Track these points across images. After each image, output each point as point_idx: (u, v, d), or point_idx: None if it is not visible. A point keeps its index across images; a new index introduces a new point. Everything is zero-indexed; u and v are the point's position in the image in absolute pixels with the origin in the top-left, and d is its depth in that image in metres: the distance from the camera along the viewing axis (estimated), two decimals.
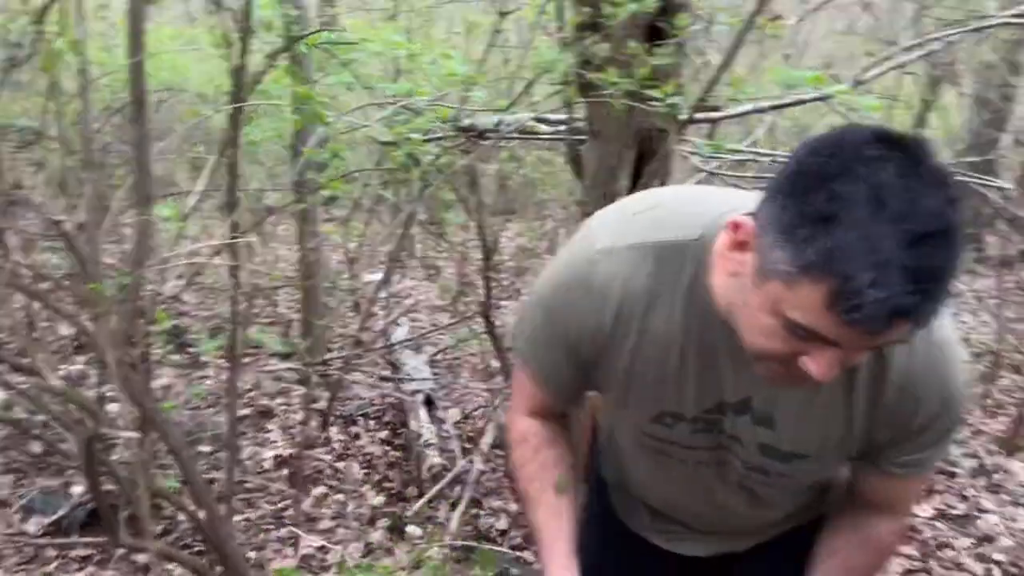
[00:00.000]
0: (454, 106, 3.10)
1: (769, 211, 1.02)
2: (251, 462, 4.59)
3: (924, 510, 4.13)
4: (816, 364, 1.06)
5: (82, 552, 3.55)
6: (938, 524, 4.03)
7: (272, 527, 3.94)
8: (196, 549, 3.54)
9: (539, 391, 1.61)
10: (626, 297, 1.27)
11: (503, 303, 5.83)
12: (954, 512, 4.15)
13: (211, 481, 3.88)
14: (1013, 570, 3.67)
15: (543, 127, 3.71)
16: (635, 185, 2.86)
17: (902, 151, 0.96)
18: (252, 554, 3.69)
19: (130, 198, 2.66)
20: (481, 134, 3.46)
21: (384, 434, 5.00)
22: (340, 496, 4.28)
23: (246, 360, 5.70)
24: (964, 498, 4.27)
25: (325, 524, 4.05)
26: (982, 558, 3.77)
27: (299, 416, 4.75)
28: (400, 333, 6.01)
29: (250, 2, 2.45)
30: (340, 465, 4.61)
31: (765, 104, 3.35)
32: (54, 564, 3.51)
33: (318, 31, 3.36)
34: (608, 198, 2.98)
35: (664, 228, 1.25)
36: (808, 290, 0.96)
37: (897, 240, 0.91)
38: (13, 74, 4.12)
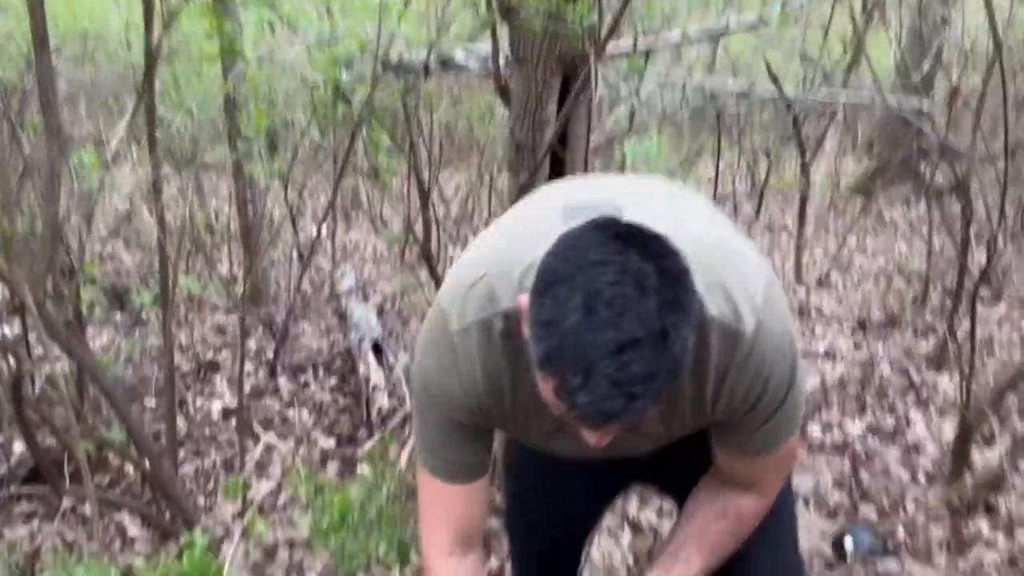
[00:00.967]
0: (374, 38, 3.07)
1: (527, 302, 1.08)
2: (199, 414, 4.58)
3: (855, 427, 4.31)
4: (587, 435, 1.15)
5: (26, 508, 3.53)
6: (869, 439, 4.21)
7: (223, 475, 3.96)
8: (145, 500, 3.55)
9: (455, 496, 1.54)
10: (489, 375, 1.33)
11: (449, 248, 5.84)
12: (884, 427, 4.34)
13: (156, 435, 3.88)
14: (935, 472, 3.86)
15: (472, 63, 3.69)
16: (561, 108, 2.88)
17: (639, 249, 1.01)
18: (202, 500, 3.71)
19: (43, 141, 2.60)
20: (409, 70, 3.43)
21: (333, 382, 5.02)
22: (290, 443, 4.30)
23: (189, 315, 5.66)
24: (893, 412, 4.45)
25: (276, 470, 4.08)
26: (909, 464, 3.95)
27: (246, 368, 4.73)
28: (347, 283, 6.00)
29: None
30: (290, 413, 4.62)
31: (691, 32, 3.38)
32: None
33: None
34: (537, 127, 3.01)
35: (496, 299, 1.27)
36: (544, 381, 1.05)
37: (603, 348, 0.96)
38: None
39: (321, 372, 5.13)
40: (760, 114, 8.79)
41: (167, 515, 3.17)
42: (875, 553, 3.26)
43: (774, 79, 5.92)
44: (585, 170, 3.10)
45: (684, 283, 1.03)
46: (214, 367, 5.10)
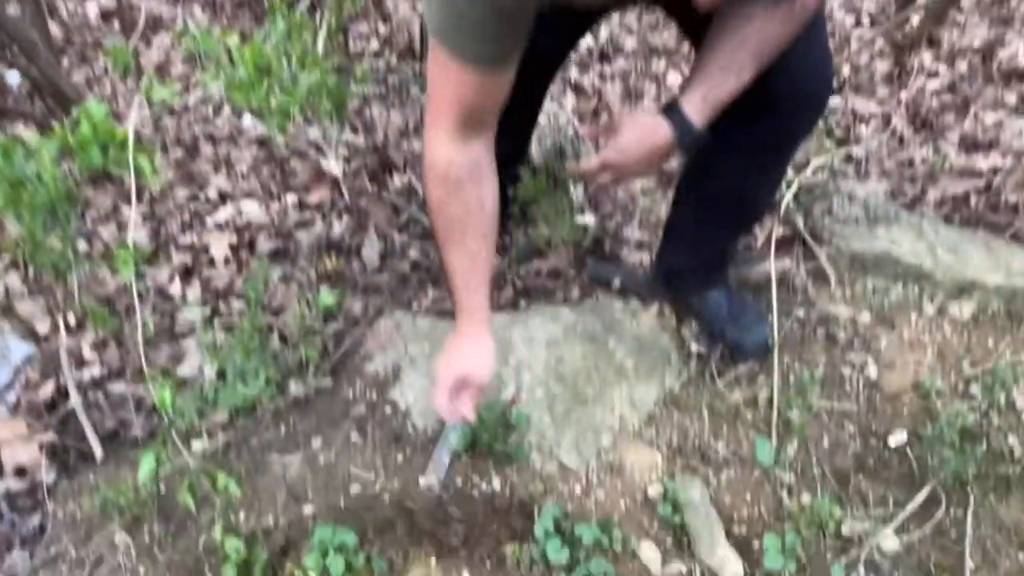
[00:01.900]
0: None
1: None
2: (75, 19, 3.99)
3: None
4: None
5: None
6: None
7: (119, 80, 3.55)
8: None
9: (470, 83, 1.40)
10: None
11: None
12: None
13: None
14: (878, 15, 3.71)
15: None
16: None
17: None
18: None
19: None
20: None
21: None
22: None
23: None
24: None
25: (178, 69, 3.67)
26: (852, 8, 3.78)
27: None
28: None
29: None
30: (179, 10, 4.07)
31: None
32: None
33: None
34: None
35: None
36: None
37: None
38: None
39: None
40: None
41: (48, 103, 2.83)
42: None
43: None
44: None
45: None
46: None
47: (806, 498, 1.89)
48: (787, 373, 2.15)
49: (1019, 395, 2.07)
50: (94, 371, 2.17)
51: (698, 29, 1.65)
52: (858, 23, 3.76)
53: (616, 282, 2.41)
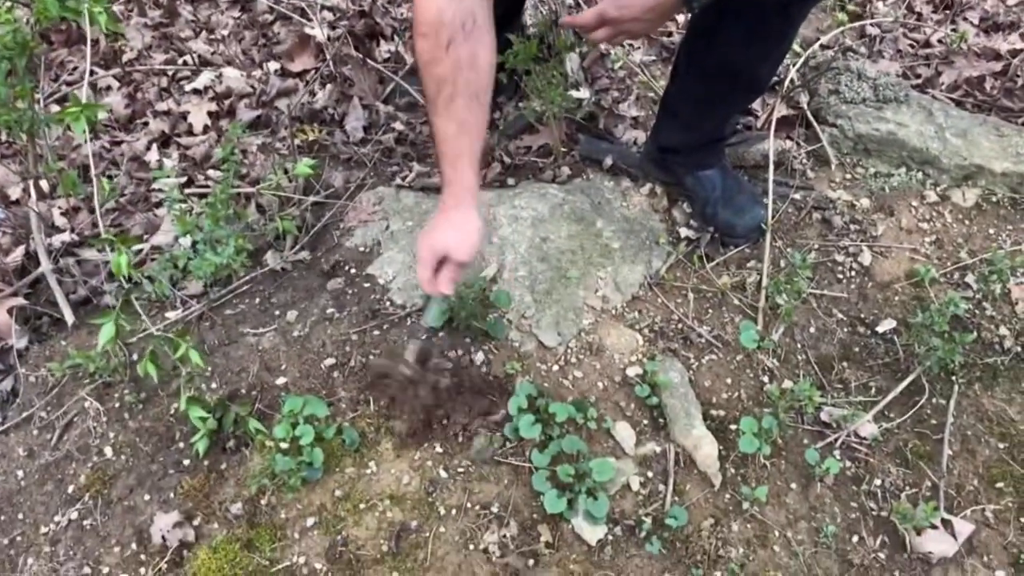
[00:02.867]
0: None
1: None
2: None
3: None
4: None
5: None
6: None
7: None
8: None
9: None
10: None
11: None
12: None
13: None
14: None
15: None
16: None
17: None
18: None
19: None
20: None
21: None
22: None
23: None
24: None
25: None
26: None
27: None
28: None
29: None
30: None
31: None
32: None
33: None
34: None
35: None
36: None
37: None
38: None
39: None
40: None
41: None
42: None
43: None
44: None
45: None
46: None
47: (787, 383, 1.86)
48: (778, 257, 2.09)
49: (1015, 285, 2.01)
50: (64, 237, 2.11)
51: None
52: None
53: (608, 160, 2.31)
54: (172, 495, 1.63)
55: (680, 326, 1.96)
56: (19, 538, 1.61)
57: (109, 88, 2.68)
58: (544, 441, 1.70)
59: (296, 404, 1.68)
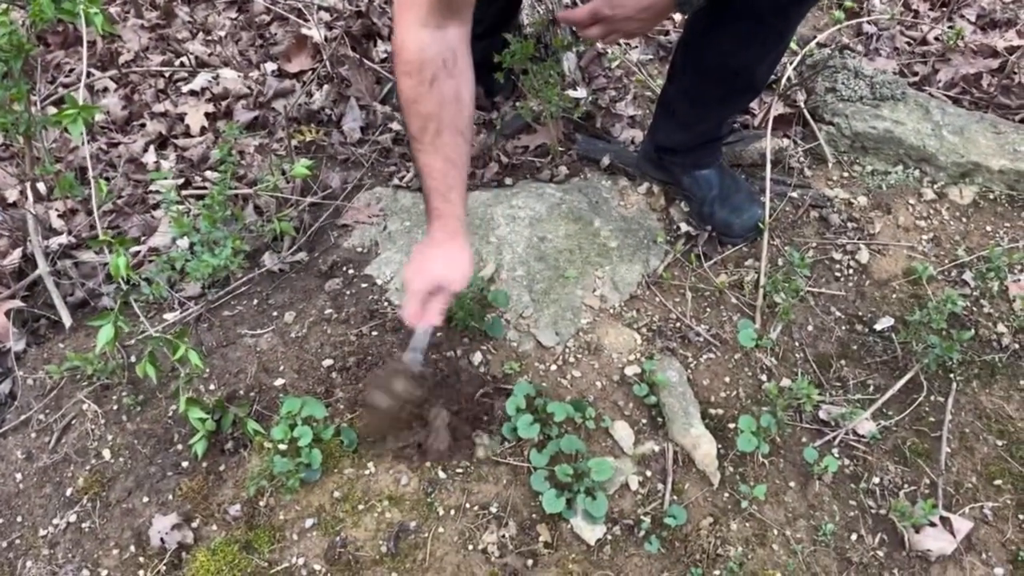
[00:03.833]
0: None
1: None
2: None
3: None
4: None
5: None
6: None
7: None
8: None
9: None
10: None
11: None
12: None
13: None
14: None
15: None
16: None
17: None
18: None
19: None
20: None
21: None
22: None
23: None
24: None
25: None
26: None
27: None
28: None
29: None
30: None
31: None
32: None
33: None
34: None
35: None
36: None
37: None
38: None
39: None
40: None
41: None
42: None
43: None
44: None
45: None
46: None
47: (785, 382, 1.86)
48: (776, 256, 2.09)
49: (1012, 282, 2.01)
50: (62, 239, 2.11)
51: None
52: None
53: (605, 160, 2.31)
54: (171, 497, 1.63)
55: (678, 325, 1.96)
56: (18, 541, 1.61)
57: (106, 90, 2.68)
58: (542, 441, 1.70)
59: (294, 405, 1.68)
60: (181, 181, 2.33)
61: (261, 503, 1.62)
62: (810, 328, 1.97)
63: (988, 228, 2.15)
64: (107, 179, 2.32)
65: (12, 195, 2.28)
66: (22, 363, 1.88)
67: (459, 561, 1.55)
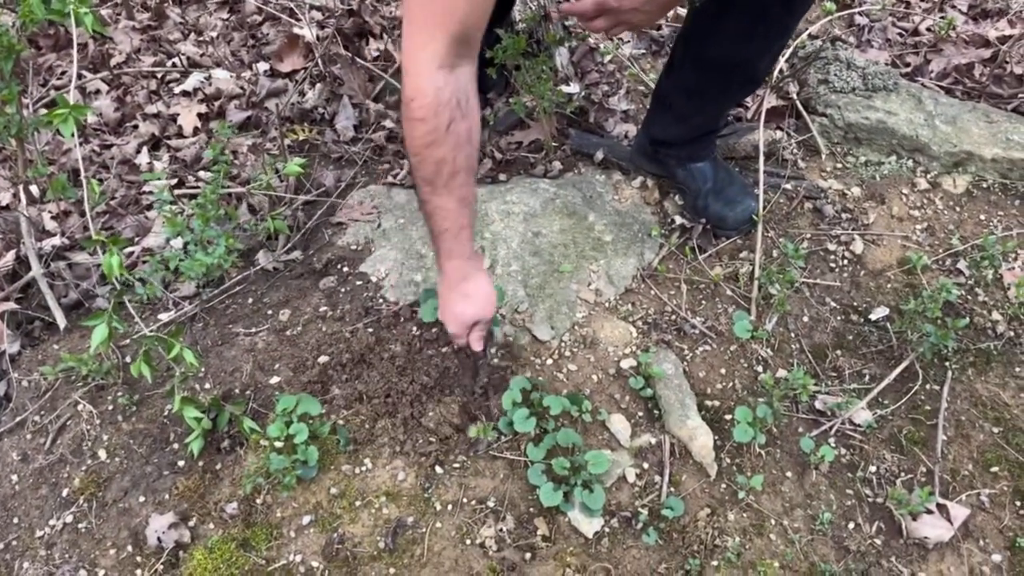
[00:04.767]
0: None
1: None
2: None
3: None
4: None
5: None
6: None
7: None
8: None
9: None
10: None
11: None
12: None
13: None
14: None
15: None
16: None
17: None
18: None
19: None
20: None
21: None
22: None
23: None
24: None
25: None
26: None
27: None
28: None
29: None
30: None
31: None
32: None
33: None
34: None
35: None
36: None
37: None
38: None
39: None
40: None
41: None
42: None
43: None
44: None
45: None
46: None
47: (781, 372, 1.86)
48: (771, 248, 2.09)
49: (1007, 270, 2.01)
50: (55, 241, 2.11)
51: None
52: None
53: (599, 154, 2.31)
54: (167, 496, 1.63)
55: (673, 317, 1.96)
56: (14, 542, 1.61)
57: (98, 91, 2.68)
58: (539, 435, 1.70)
59: (290, 403, 1.67)
60: (174, 181, 2.33)
61: (258, 501, 1.62)
62: (805, 319, 1.97)
63: (982, 217, 2.15)
64: (100, 180, 2.32)
65: (5, 198, 2.28)
66: (17, 365, 1.88)
67: (457, 556, 1.55)
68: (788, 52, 2.43)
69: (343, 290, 1.97)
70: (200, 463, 1.67)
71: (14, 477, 1.69)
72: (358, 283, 1.99)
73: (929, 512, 1.64)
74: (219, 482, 1.65)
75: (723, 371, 1.87)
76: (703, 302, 2.00)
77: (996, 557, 1.62)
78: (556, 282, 1.98)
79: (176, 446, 1.70)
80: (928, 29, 2.80)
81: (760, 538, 1.62)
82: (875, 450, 1.75)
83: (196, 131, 2.55)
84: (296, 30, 2.83)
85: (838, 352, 1.91)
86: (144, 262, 2.04)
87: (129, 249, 2.09)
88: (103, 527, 1.61)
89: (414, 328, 1.86)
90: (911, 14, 2.90)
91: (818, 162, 2.28)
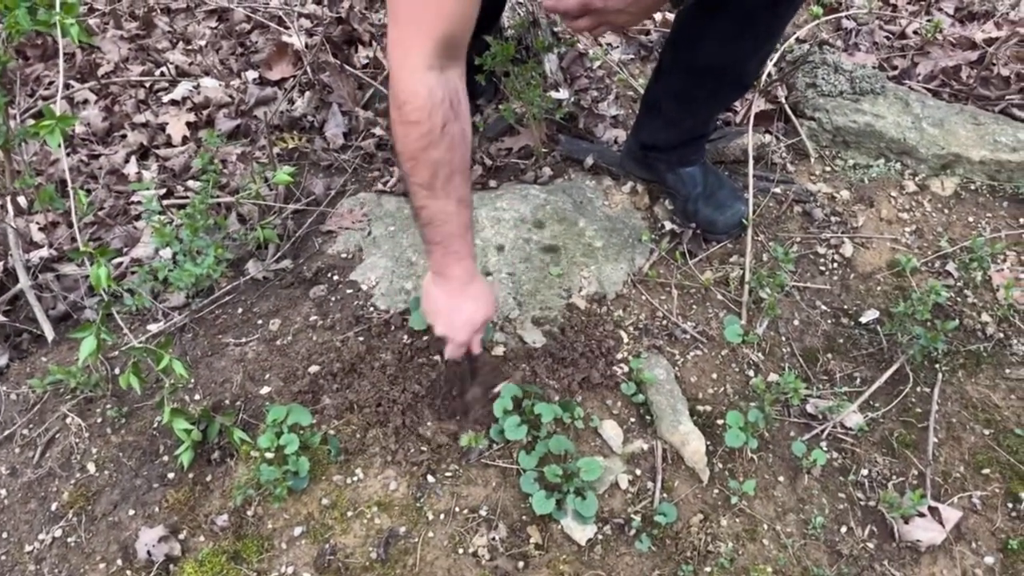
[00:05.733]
0: None
1: None
2: None
3: None
4: None
5: None
6: None
7: None
8: None
9: None
10: None
11: None
12: None
13: None
14: None
15: None
16: None
17: None
18: None
19: None
20: None
21: None
22: None
23: None
24: None
25: None
26: None
27: None
28: None
29: None
30: None
31: None
32: None
33: None
34: None
35: None
36: None
37: None
38: None
39: None
40: None
41: None
42: None
43: None
44: None
45: None
46: None
47: (772, 376, 1.86)
48: (760, 252, 2.09)
49: (996, 272, 2.02)
50: (43, 253, 2.09)
51: None
52: None
53: (589, 160, 2.31)
54: (157, 509, 1.62)
55: (664, 323, 1.96)
56: (3, 557, 1.59)
57: (86, 102, 2.67)
58: (531, 442, 1.70)
59: (280, 413, 1.67)
60: (163, 191, 2.32)
61: (249, 512, 1.61)
62: (796, 322, 1.97)
63: (970, 219, 2.16)
64: (88, 191, 2.31)
65: None
66: (4, 378, 1.87)
67: (450, 565, 1.54)
68: (776, 56, 2.44)
69: (333, 299, 1.97)
70: (190, 475, 1.66)
71: (3, 491, 1.68)
72: (348, 292, 1.98)
73: (921, 515, 1.64)
74: (209, 494, 1.64)
75: (714, 376, 1.87)
76: (694, 307, 2.00)
77: (988, 559, 1.62)
78: (547, 288, 1.98)
79: (166, 458, 1.69)
80: (915, 32, 2.81)
81: (753, 543, 1.62)
82: (867, 453, 1.75)
83: (185, 140, 2.55)
84: (285, 38, 2.83)
85: (829, 355, 1.91)
86: (133, 273, 2.03)
87: (117, 260, 2.08)
88: (93, 541, 1.59)
89: (405, 336, 1.85)
90: (898, 17, 2.92)
91: (807, 166, 2.29)
